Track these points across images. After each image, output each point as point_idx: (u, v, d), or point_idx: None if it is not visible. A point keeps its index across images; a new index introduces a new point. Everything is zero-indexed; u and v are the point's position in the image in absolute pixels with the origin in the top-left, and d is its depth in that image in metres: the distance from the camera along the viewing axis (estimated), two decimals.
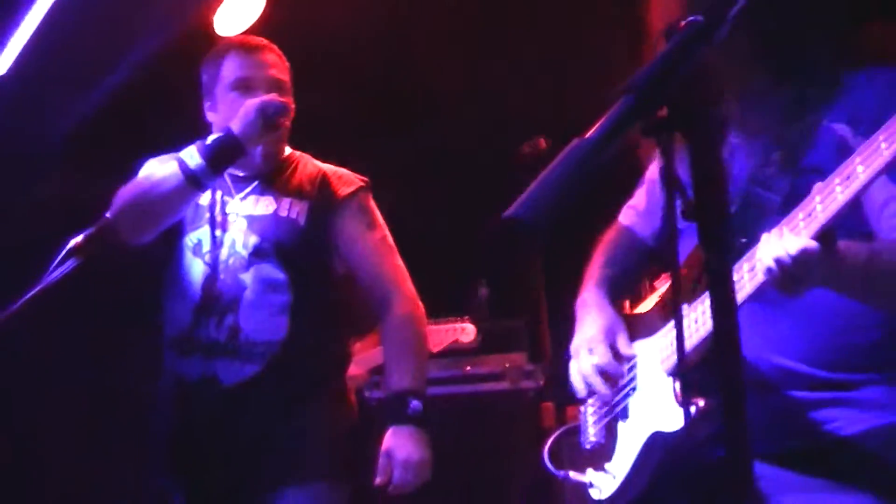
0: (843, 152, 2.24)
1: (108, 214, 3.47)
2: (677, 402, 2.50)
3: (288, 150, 3.70)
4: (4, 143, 5.62)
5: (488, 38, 5.94)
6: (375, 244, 3.57)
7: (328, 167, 3.67)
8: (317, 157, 3.78)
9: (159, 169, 3.44)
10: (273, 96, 3.40)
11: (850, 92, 2.43)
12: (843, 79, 2.45)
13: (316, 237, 3.51)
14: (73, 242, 3.62)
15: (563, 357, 4.66)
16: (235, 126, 3.36)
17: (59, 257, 3.61)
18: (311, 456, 3.39)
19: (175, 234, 3.57)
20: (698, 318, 2.43)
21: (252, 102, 3.37)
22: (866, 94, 2.39)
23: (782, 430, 2.43)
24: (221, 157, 3.38)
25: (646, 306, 2.92)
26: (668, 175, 1.46)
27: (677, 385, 2.51)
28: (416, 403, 3.39)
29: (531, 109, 5.71)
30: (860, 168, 2.09)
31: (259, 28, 5.17)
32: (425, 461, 3.39)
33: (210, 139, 3.40)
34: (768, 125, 2.51)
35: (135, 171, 3.65)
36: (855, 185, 2.09)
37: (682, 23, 1.49)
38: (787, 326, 2.40)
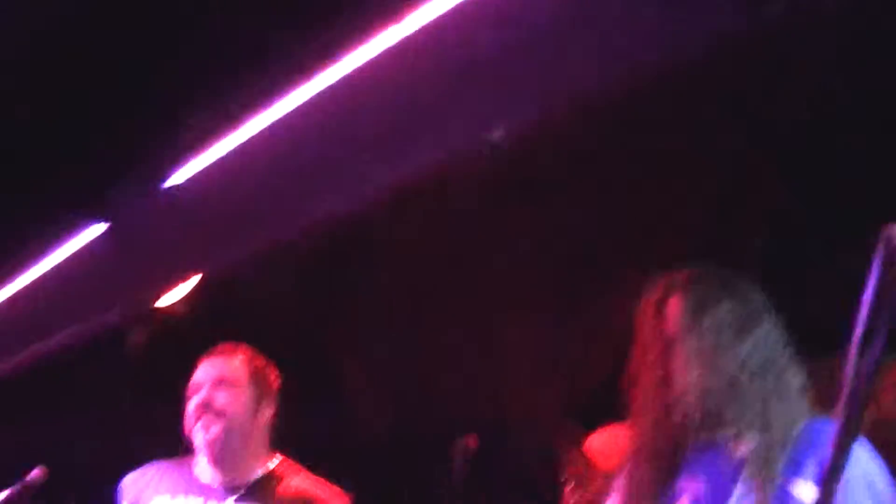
0: None
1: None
2: None
3: (277, 460, 3.57)
4: None
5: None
6: None
7: (311, 485, 3.55)
8: None
9: None
10: None
11: (804, 445, 2.56)
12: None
13: None
14: None
15: None
16: None
17: None
18: None
19: None
20: None
21: None
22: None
23: None
24: None
25: None
26: None
27: None
28: None
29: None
30: None
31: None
32: None
33: None
34: (731, 478, 2.59)
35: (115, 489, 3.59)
36: None
37: None
38: None
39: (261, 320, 5.90)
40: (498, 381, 5.78)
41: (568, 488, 4.42)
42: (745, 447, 2.60)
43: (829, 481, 1.52)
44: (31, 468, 3.58)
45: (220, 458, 3.45)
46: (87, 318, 5.00)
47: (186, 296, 5.29)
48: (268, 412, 3.55)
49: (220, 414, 3.43)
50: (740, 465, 2.59)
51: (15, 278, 4.85)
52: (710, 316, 2.66)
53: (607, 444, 4.21)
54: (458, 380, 5.90)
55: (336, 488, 3.53)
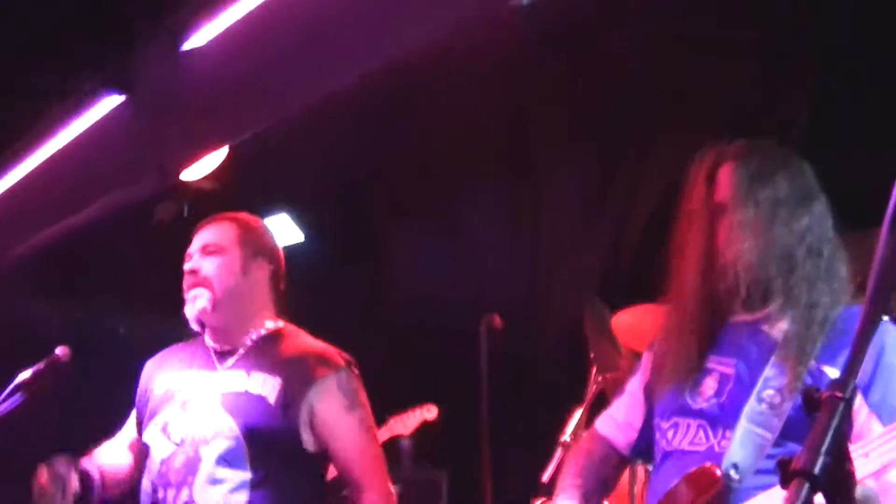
0: None
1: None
2: None
3: (279, 324, 3.51)
4: None
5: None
6: (352, 427, 3.32)
7: (314, 344, 3.46)
8: None
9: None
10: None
11: (839, 332, 2.43)
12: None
13: (285, 416, 3.27)
14: (21, 377, 3.49)
15: None
16: None
17: (7, 392, 3.46)
18: None
19: (148, 414, 3.44)
20: None
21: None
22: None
23: None
24: None
25: None
26: None
27: None
28: None
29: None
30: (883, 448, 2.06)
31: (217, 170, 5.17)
32: None
33: None
34: (761, 360, 2.49)
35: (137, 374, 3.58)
36: (875, 465, 2.06)
37: (823, 395, 1.38)
38: None
39: (290, 192, 5.88)
40: (529, 258, 5.71)
41: (594, 369, 4.36)
42: (780, 328, 2.50)
43: (854, 358, 1.39)
44: (58, 344, 3.55)
45: (214, 326, 3.43)
46: (111, 192, 4.93)
47: (214, 170, 5.22)
48: (261, 272, 3.47)
49: (206, 281, 3.38)
50: (773, 347, 2.48)
51: (35, 151, 4.74)
52: (767, 187, 2.54)
53: (635, 322, 4.13)
54: (490, 257, 5.85)
55: (338, 350, 3.44)
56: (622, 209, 4.73)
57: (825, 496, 1.32)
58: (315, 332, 3.56)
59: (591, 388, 4.27)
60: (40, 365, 3.51)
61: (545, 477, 4.23)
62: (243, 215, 3.59)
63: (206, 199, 5.53)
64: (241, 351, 3.40)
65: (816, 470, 1.28)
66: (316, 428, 3.28)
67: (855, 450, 2.03)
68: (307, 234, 5.99)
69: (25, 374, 3.49)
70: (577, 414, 4.29)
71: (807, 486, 1.27)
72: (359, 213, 6.19)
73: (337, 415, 3.29)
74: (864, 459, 2.04)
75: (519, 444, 5.03)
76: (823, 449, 1.29)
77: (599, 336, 4.28)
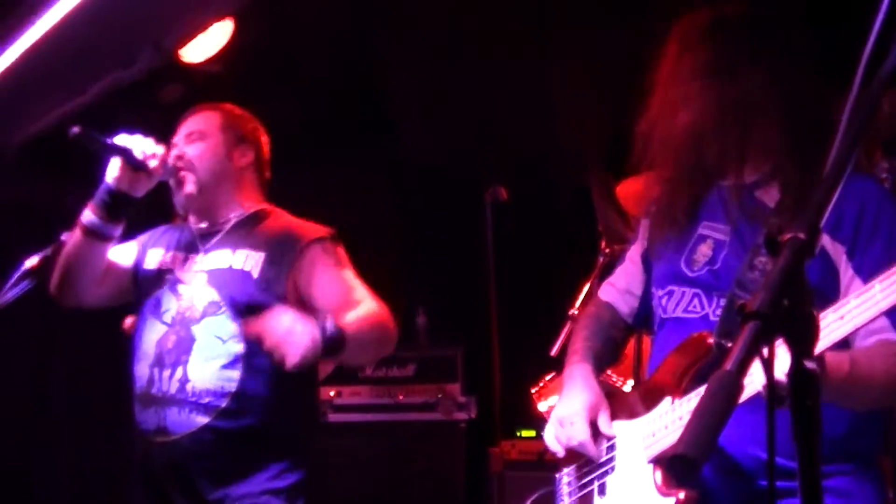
0: (825, 260, 2.34)
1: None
2: (658, 492, 2.41)
3: (263, 206, 3.60)
4: None
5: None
6: (338, 276, 3.37)
7: (297, 221, 3.55)
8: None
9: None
10: (132, 142, 3.34)
11: (839, 199, 2.37)
12: None
13: (270, 288, 3.33)
14: (28, 263, 3.54)
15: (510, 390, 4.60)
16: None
17: (14, 278, 3.50)
18: None
19: (138, 302, 3.52)
20: (683, 416, 2.39)
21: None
22: (842, 201, 2.31)
23: None
24: (109, 207, 3.37)
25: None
26: (770, 380, 1.38)
27: (658, 475, 2.44)
28: (331, 324, 3.01)
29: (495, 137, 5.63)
30: (856, 311, 2.06)
31: (222, 53, 5.10)
32: (307, 338, 2.95)
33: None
34: (755, 226, 2.48)
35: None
36: (849, 327, 2.07)
37: (785, 237, 1.36)
38: (760, 419, 2.30)
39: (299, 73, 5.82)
40: (537, 127, 5.66)
41: (603, 241, 4.35)
42: (773, 195, 2.48)
43: (820, 201, 1.38)
44: (64, 230, 3.58)
45: (200, 208, 3.52)
46: (109, 73, 4.86)
47: (220, 53, 5.15)
48: (245, 159, 3.57)
49: (190, 164, 3.47)
50: (767, 213, 2.46)
51: (26, 29, 4.55)
52: (690, 58, 2.52)
53: (641, 190, 4.09)
54: (497, 124, 5.81)
55: (321, 226, 3.49)
56: (630, 76, 4.67)
57: (785, 341, 1.32)
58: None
59: (600, 260, 4.27)
60: (47, 251, 3.55)
61: (554, 351, 4.27)
62: (227, 105, 3.67)
63: (212, 83, 5.48)
64: (225, 230, 3.48)
65: (771, 311, 1.26)
66: (301, 290, 3.34)
67: (831, 312, 2.07)
68: (313, 109, 5.96)
69: (32, 261, 3.54)
70: (587, 286, 4.30)
71: (761, 327, 1.26)
72: (365, 88, 6.15)
73: (321, 270, 3.35)
74: (840, 322, 2.05)
75: (529, 318, 5.06)
76: (781, 290, 1.27)
77: (607, 207, 4.25)
